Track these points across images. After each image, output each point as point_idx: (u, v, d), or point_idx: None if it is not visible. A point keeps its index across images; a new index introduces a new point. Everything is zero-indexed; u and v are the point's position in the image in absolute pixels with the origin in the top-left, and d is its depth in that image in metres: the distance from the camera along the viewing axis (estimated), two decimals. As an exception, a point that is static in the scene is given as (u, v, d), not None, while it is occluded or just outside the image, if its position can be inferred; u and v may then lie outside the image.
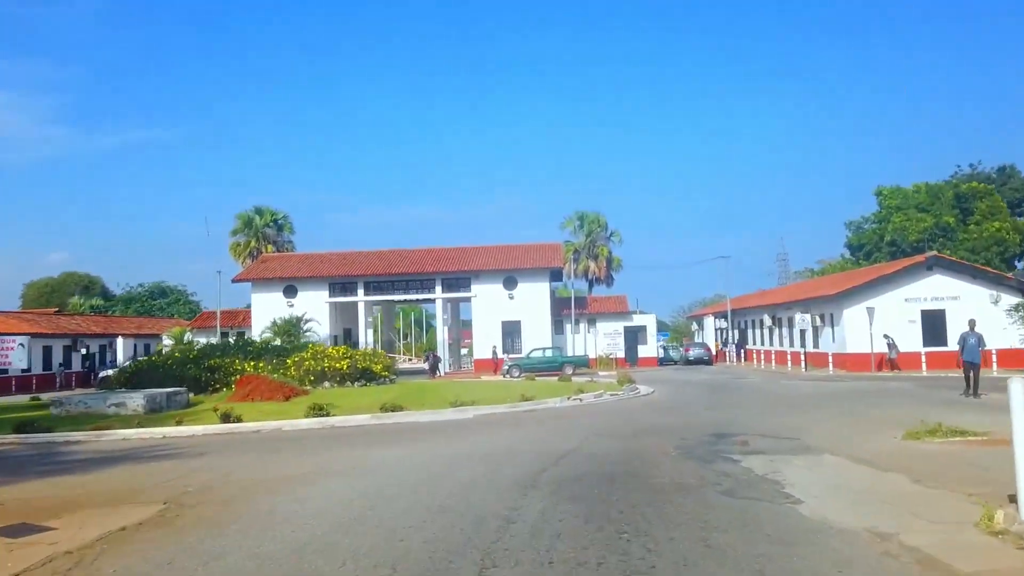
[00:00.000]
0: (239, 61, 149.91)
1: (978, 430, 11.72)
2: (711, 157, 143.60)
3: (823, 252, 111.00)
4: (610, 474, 9.26)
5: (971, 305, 30.22)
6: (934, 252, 38.33)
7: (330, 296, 42.40)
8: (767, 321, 43.58)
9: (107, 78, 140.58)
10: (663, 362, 48.21)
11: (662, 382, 28.99)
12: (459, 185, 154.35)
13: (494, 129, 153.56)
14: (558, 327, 44.28)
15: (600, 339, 46.06)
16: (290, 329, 36.76)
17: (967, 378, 18.47)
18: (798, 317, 35.95)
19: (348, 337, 42.98)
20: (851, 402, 18.74)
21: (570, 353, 42.13)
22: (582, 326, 46.05)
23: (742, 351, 48.38)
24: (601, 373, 36.65)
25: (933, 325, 32.37)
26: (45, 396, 29.97)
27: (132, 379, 27.24)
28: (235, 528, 7.09)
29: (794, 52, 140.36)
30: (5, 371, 36.64)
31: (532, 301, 41.44)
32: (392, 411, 18.22)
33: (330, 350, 30.32)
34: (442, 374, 39.68)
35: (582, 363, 38.69)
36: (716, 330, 53.71)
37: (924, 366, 30.64)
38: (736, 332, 51.18)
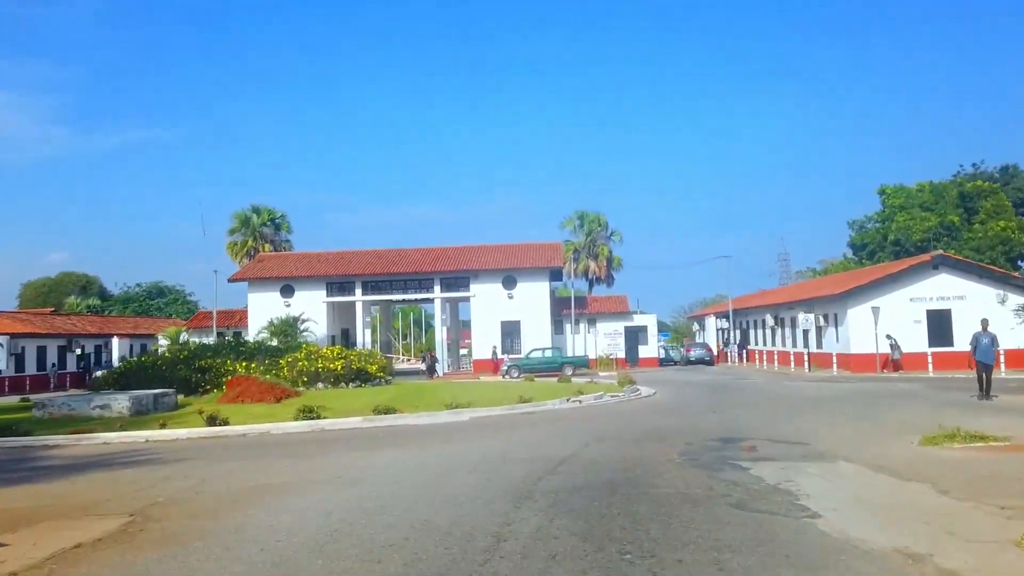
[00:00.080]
0: (239, 61, 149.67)
1: (998, 435, 11.15)
2: (711, 157, 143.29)
3: (824, 252, 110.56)
4: (611, 484, 8.63)
5: (977, 305, 29.78)
6: (940, 251, 37.78)
7: (327, 296, 41.83)
8: (769, 321, 42.93)
9: (107, 78, 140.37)
10: (664, 363, 47.58)
11: (663, 383, 28.38)
12: (459, 185, 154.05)
13: (494, 129, 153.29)
14: (558, 327, 43.72)
15: (600, 339, 45.48)
16: (287, 329, 36.19)
17: (980, 379, 17.86)
18: (801, 317, 35.31)
19: (346, 337, 42.41)
20: (859, 404, 18.10)
21: (570, 353, 41.61)
22: (582, 326, 45.47)
23: (744, 351, 47.79)
24: (601, 374, 36.07)
25: (939, 325, 31.82)
26: (35, 397, 29.34)
27: (121, 380, 26.62)
28: (199, 546, 6.46)
29: (794, 52, 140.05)
30: (-5, 372, 36.00)
31: (532, 301, 40.88)
32: (385, 413, 17.62)
33: (324, 350, 29.76)
34: (440, 375, 39.13)
35: (582, 364, 38.20)
36: (717, 330, 53.03)
37: (930, 367, 30.04)
38: (738, 332, 50.57)
